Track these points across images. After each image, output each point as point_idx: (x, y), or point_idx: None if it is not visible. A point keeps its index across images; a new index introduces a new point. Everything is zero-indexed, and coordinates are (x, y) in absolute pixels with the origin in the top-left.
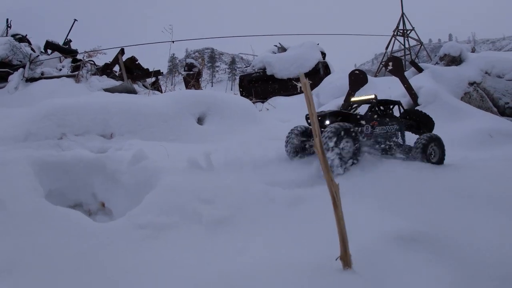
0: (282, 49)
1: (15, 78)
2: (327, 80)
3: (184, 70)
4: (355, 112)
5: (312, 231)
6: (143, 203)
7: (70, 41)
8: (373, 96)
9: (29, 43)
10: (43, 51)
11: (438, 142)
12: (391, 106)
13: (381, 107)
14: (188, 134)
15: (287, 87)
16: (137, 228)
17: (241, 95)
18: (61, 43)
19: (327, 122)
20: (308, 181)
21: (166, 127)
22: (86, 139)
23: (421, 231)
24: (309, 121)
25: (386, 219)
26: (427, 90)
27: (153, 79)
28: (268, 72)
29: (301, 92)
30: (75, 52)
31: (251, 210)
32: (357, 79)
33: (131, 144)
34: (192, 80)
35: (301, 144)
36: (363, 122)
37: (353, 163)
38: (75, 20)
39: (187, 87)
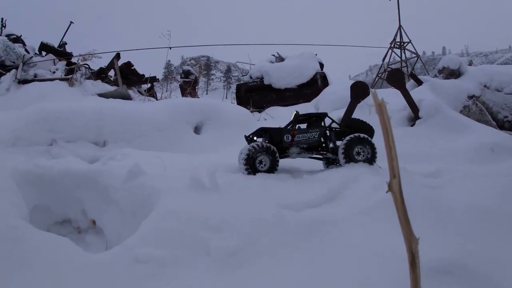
0: (280, 58)
1: (7, 79)
2: (326, 91)
3: (181, 77)
4: (282, 127)
5: (340, 264)
6: (141, 230)
7: (65, 43)
8: (295, 112)
9: (24, 44)
10: (38, 52)
11: (364, 141)
12: (314, 118)
13: (313, 119)
14: (184, 143)
15: (284, 97)
16: (136, 262)
17: (238, 104)
18: (56, 45)
19: (255, 138)
20: (320, 200)
21: (162, 136)
22: (78, 146)
23: (452, 261)
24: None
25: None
26: (428, 103)
27: (149, 85)
28: (266, 82)
29: (299, 102)
30: (70, 55)
31: (266, 240)
32: (359, 91)
33: (124, 154)
34: (189, 88)
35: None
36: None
37: (273, 168)
38: (71, 22)
39: (183, 94)
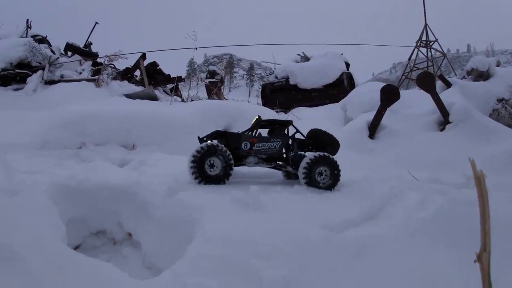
0: (305, 58)
1: (33, 80)
2: (354, 93)
3: (206, 78)
4: (241, 132)
5: None
6: (188, 255)
7: (91, 43)
8: (256, 117)
9: (49, 45)
10: (63, 53)
11: (327, 161)
12: (278, 126)
13: (277, 126)
14: None
15: (310, 97)
16: None
17: (263, 104)
18: (81, 45)
19: (209, 142)
20: (362, 219)
21: (191, 140)
22: (107, 150)
23: None
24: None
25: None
26: (459, 107)
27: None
28: (291, 82)
29: (326, 102)
30: (95, 55)
31: (316, 267)
32: (390, 95)
33: (156, 159)
34: (215, 88)
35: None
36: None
37: (226, 176)
38: (96, 23)
39: (209, 95)
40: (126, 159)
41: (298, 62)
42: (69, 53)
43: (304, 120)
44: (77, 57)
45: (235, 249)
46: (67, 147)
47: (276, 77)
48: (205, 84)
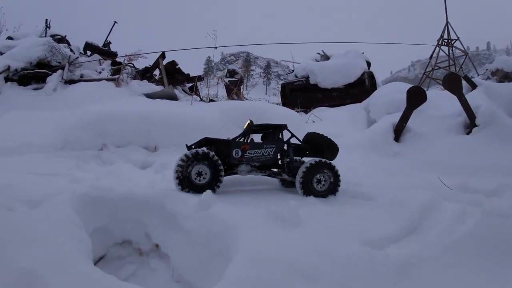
0: (325, 57)
1: (53, 79)
2: (377, 94)
3: (226, 77)
4: (231, 139)
5: None
6: (229, 278)
7: (110, 43)
8: (248, 122)
9: (69, 44)
10: (82, 52)
11: (325, 167)
12: (271, 130)
13: (270, 131)
14: None
15: (331, 97)
16: None
17: (283, 104)
18: (100, 44)
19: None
20: (401, 234)
21: None
22: (129, 151)
23: None
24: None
25: None
26: (485, 110)
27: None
28: (312, 81)
29: (347, 102)
30: (114, 55)
31: (359, 287)
32: (416, 97)
33: None
34: (235, 88)
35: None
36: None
37: (215, 185)
38: (115, 22)
39: (229, 95)
40: (148, 161)
41: (318, 61)
42: (88, 53)
43: (325, 120)
44: (96, 56)
45: (278, 271)
46: (87, 148)
47: (296, 76)
48: (225, 84)
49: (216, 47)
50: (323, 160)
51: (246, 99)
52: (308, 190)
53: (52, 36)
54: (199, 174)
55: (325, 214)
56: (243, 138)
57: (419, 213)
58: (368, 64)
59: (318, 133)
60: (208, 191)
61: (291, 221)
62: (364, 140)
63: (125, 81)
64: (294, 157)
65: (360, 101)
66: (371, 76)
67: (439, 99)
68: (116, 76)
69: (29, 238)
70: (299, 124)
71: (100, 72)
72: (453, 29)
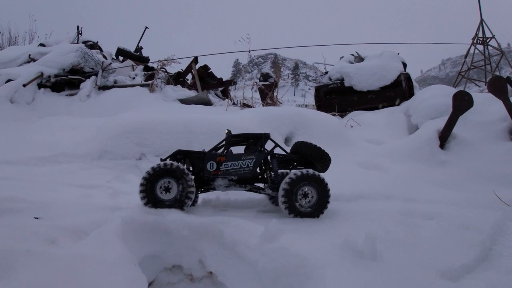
0: (359, 58)
1: (87, 85)
2: (419, 97)
3: (260, 81)
4: (207, 150)
5: None
6: None
7: (141, 48)
8: (226, 131)
9: (101, 50)
10: (114, 57)
11: (312, 179)
12: (252, 140)
13: (251, 141)
14: None
15: (367, 100)
16: None
17: (317, 107)
18: (132, 50)
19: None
20: (475, 261)
21: None
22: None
23: None
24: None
25: None
26: None
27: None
28: (346, 83)
29: (383, 105)
30: (147, 60)
31: None
32: (463, 102)
33: None
34: (270, 92)
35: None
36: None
37: (183, 201)
38: (146, 27)
39: (263, 99)
40: None
41: (352, 63)
42: (120, 58)
43: (364, 125)
44: (129, 62)
45: None
46: (125, 157)
47: (330, 79)
48: (258, 88)
49: (249, 51)
50: (311, 171)
51: (281, 103)
52: (293, 208)
53: (84, 42)
54: (166, 189)
55: (397, 242)
56: (222, 150)
57: (490, 238)
58: (404, 65)
59: (308, 143)
60: (274, 220)
61: (368, 254)
62: (408, 147)
63: (159, 86)
64: (282, 170)
65: (397, 104)
66: (408, 78)
67: (480, 102)
68: (150, 82)
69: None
70: (338, 130)
71: (133, 78)
72: (487, 27)
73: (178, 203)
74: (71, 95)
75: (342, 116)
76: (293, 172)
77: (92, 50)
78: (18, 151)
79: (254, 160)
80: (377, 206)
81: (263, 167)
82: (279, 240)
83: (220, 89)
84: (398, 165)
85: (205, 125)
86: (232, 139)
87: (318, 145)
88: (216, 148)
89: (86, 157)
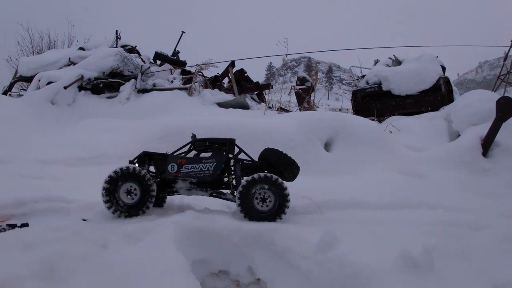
0: (397, 61)
1: (127, 88)
2: (461, 102)
3: (296, 85)
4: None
5: None
6: None
7: (178, 52)
8: (191, 135)
9: (139, 54)
10: (152, 61)
11: (270, 182)
12: (216, 145)
13: (215, 146)
14: (316, 162)
15: (405, 104)
16: None
17: (354, 112)
18: (169, 54)
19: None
20: None
21: (295, 154)
22: None
23: None
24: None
25: None
26: None
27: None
28: (384, 88)
29: (421, 110)
30: (184, 64)
31: None
32: (507, 108)
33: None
34: (307, 96)
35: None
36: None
37: (143, 205)
38: (183, 32)
39: (300, 103)
40: None
41: (390, 66)
42: (158, 62)
43: (403, 131)
44: (167, 66)
45: None
46: None
47: (367, 83)
48: (295, 92)
49: (287, 55)
50: (268, 174)
51: (318, 107)
52: (248, 211)
53: (123, 46)
54: (128, 192)
55: (448, 253)
56: (184, 153)
57: None
58: (443, 68)
59: (276, 150)
60: (329, 230)
61: (424, 266)
62: (450, 155)
63: (197, 90)
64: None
65: (436, 109)
66: (447, 82)
67: None
68: (188, 85)
69: None
70: (379, 136)
71: (172, 81)
72: None
73: (139, 207)
74: (110, 97)
75: (380, 121)
76: (251, 175)
77: (131, 54)
78: (61, 152)
79: (215, 163)
80: (422, 216)
81: (227, 172)
82: (335, 249)
83: (255, 92)
84: (440, 172)
85: (246, 129)
86: (197, 143)
87: (285, 153)
88: (177, 151)
89: (127, 158)
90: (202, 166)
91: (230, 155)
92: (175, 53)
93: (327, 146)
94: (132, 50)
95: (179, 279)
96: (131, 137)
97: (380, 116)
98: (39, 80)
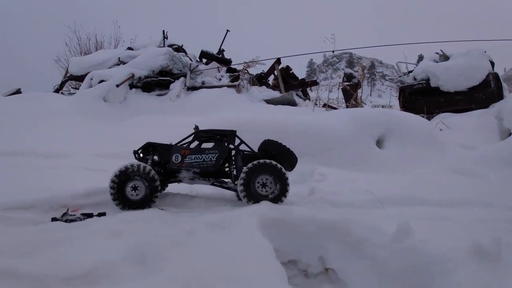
0: (444, 57)
1: (177, 86)
2: (511, 100)
3: (343, 81)
4: (174, 143)
5: None
6: None
7: (223, 50)
8: (194, 127)
9: (185, 53)
10: (198, 60)
11: (271, 169)
12: (218, 137)
13: (217, 137)
14: (368, 159)
15: (453, 101)
16: None
17: (402, 109)
18: (214, 52)
19: (142, 155)
20: None
21: (346, 151)
22: None
23: None
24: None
25: None
26: None
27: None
28: (432, 84)
29: (471, 107)
30: (229, 62)
31: None
32: None
33: (322, 174)
34: (354, 92)
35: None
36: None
37: (149, 200)
38: (228, 30)
39: (347, 100)
40: None
41: (437, 62)
42: (204, 60)
43: (453, 128)
44: (214, 64)
45: None
46: None
47: (415, 79)
48: (342, 88)
49: (333, 51)
50: (268, 160)
51: (365, 104)
52: (251, 195)
53: (170, 45)
54: (134, 188)
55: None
56: (187, 143)
57: None
58: (492, 64)
59: (276, 141)
60: (405, 221)
61: (493, 256)
62: (503, 153)
63: (245, 87)
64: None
65: (485, 106)
66: (497, 78)
67: None
68: (236, 83)
69: (225, 275)
70: (430, 133)
71: (220, 79)
72: None
73: (146, 202)
74: (160, 95)
75: (428, 119)
76: (253, 162)
77: (179, 53)
78: (116, 146)
79: (217, 154)
80: (482, 213)
81: (228, 162)
82: (410, 239)
83: (299, 89)
84: (494, 171)
85: (297, 126)
86: (200, 134)
87: (284, 144)
88: (181, 141)
89: None
90: (205, 156)
91: (231, 146)
92: (221, 51)
93: (378, 143)
94: (179, 49)
95: (270, 264)
96: (182, 132)
97: (429, 113)
98: (91, 79)
